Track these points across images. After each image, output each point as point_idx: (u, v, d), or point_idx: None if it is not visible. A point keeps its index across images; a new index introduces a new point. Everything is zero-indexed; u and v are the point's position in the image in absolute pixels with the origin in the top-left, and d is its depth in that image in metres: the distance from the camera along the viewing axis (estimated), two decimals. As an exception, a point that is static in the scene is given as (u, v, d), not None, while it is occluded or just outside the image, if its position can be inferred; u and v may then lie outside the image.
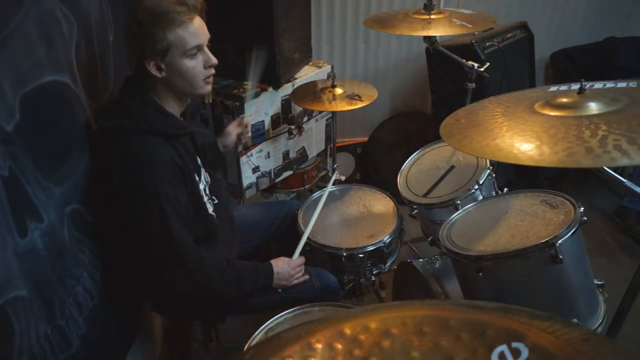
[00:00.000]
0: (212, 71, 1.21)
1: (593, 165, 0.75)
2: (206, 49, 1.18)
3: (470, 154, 0.89)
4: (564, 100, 0.95)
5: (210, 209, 1.38)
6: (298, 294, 1.43)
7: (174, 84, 1.17)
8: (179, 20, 1.09)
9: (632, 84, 0.99)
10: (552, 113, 0.94)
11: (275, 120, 2.08)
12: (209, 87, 1.22)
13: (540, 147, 0.83)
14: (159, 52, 1.11)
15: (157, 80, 1.17)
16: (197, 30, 1.13)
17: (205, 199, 1.35)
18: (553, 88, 1.10)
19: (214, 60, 1.19)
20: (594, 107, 0.91)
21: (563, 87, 1.09)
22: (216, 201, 1.45)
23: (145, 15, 1.08)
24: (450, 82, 2.33)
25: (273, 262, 1.38)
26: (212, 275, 1.24)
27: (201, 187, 1.33)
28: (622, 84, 1.01)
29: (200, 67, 1.17)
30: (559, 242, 1.07)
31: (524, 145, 0.85)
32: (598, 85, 1.03)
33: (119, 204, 1.16)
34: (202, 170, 1.38)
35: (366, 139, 2.96)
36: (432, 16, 1.66)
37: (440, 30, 1.60)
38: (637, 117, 0.82)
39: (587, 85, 0.97)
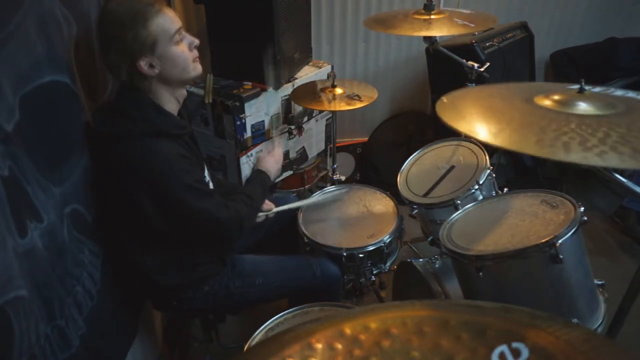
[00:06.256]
0: (197, 53, 1.26)
1: (536, 153, 0.78)
2: (185, 33, 1.23)
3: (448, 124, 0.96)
4: (559, 96, 0.96)
5: None
6: (299, 282, 1.47)
7: (169, 75, 1.20)
8: (154, 11, 1.13)
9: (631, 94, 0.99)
10: (545, 104, 0.95)
11: (275, 120, 2.08)
12: (199, 67, 1.26)
13: (504, 130, 0.87)
14: (148, 48, 1.13)
15: (151, 80, 1.19)
16: (172, 16, 1.18)
17: None
18: (572, 86, 1.09)
19: (197, 41, 1.26)
20: (585, 108, 0.92)
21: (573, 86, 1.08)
22: None
23: (122, 18, 1.10)
24: (450, 82, 2.33)
25: (257, 167, 1.61)
26: (249, 214, 1.38)
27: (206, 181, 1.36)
28: (620, 92, 1.01)
29: (187, 50, 1.22)
30: (559, 242, 1.07)
31: (491, 125, 0.90)
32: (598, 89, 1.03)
33: (145, 203, 1.18)
34: (205, 167, 1.41)
35: (366, 139, 2.96)
36: (432, 16, 1.66)
37: (440, 30, 1.60)
38: (612, 124, 0.83)
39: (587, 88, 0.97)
